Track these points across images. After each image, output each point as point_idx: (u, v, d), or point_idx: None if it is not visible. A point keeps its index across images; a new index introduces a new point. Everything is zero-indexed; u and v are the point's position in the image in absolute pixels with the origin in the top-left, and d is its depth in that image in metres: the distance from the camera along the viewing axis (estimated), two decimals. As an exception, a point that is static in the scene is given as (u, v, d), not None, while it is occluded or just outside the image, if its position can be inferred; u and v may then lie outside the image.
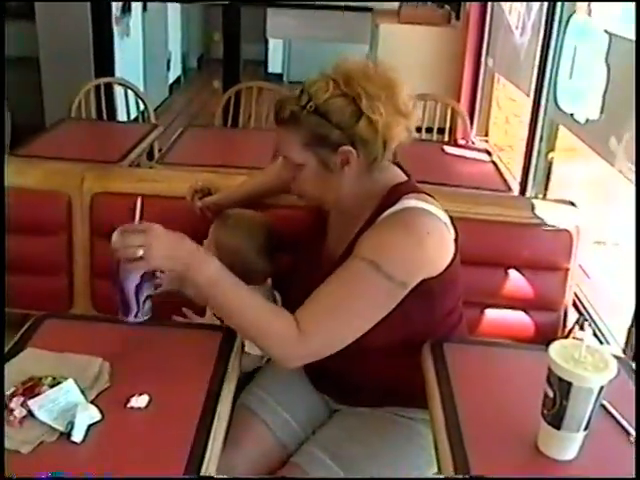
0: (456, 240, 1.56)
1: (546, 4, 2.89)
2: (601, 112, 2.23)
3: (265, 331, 1.45)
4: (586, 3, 2.38)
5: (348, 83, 1.45)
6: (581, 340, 1.26)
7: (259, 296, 1.48)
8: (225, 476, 1.56)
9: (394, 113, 1.47)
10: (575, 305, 2.17)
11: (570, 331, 2.07)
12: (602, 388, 1.20)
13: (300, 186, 1.58)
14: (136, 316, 1.44)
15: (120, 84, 4.47)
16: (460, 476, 1.24)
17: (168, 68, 7.78)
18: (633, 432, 1.33)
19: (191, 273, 1.40)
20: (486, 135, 4.14)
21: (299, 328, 1.42)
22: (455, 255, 1.56)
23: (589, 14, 2.37)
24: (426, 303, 1.53)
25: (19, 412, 1.26)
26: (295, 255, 1.84)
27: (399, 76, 1.51)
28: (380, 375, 1.59)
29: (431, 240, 1.49)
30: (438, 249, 1.52)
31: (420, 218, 1.51)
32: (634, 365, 1.61)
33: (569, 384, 1.19)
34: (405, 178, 1.61)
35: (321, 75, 1.50)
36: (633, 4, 2.00)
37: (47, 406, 1.27)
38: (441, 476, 1.32)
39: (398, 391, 1.65)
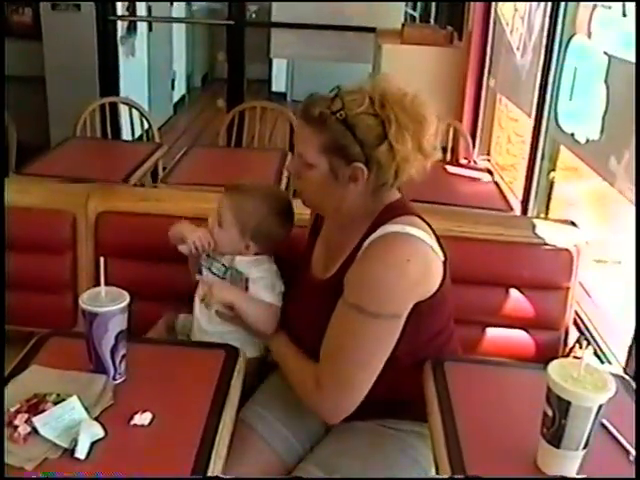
0: (445, 262, 1.56)
1: (547, 26, 2.92)
2: (601, 132, 2.25)
3: (297, 382, 1.65)
4: (586, 26, 2.41)
5: (383, 105, 1.46)
6: (581, 359, 1.27)
7: (304, 358, 1.64)
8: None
9: (416, 149, 1.48)
10: (576, 324, 2.17)
11: (571, 350, 2.08)
12: (601, 407, 1.21)
13: (303, 185, 1.60)
14: (114, 378, 1.47)
15: (125, 103, 4.52)
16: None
17: (173, 87, 7.85)
18: (633, 451, 1.34)
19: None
20: (488, 154, 4.16)
21: (318, 385, 1.55)
22: (444, 278, 1.56)
23: (589, 36, 2.40)
24: (412, 322, 1.53)
25: (23, 429, 1.27)
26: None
27: (432, 114, 1.52)
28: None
29: (412, 266, 1.49)
30: (422, 273, 1.52)
31: (400, 245, 1.51)
32: (634, 383, 1.62)
33: (568, 403, 1.20)
34: (398, 196, 1.62)
35: (358, 87, 1.50)
36: (629, 23, 2.04)
37: (51, 423, 1.28)
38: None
39: (387, 403, 1.66)
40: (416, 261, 1.50)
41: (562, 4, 2.77)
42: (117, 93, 5.34)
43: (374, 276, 1.49)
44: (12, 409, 1.32)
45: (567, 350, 2.10)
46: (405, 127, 1.46)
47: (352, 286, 1.52)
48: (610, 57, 2.19)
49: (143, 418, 1.35)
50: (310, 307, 1.65)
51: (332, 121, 1.47)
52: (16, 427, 1.28)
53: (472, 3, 4.32)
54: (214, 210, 1.81)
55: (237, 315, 1.72)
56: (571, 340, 2.11)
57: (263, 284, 1.77)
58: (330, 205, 1.61)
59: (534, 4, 3.28)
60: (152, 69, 6.82)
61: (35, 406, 1.32)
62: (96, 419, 1.33)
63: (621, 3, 2.07)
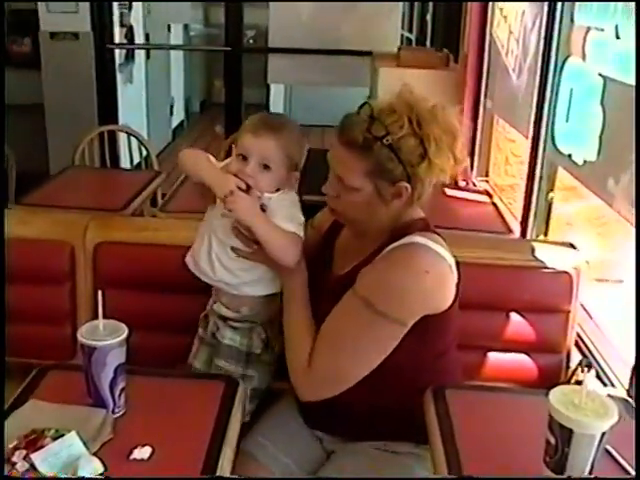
0: (457, 285, 1.59)
1: (541, 48, 2.93)
2: (598, 153, 2.25)
3: (290, 352, 1.65)
4: (580, 48, 2.42)
5: (420, 124, 1.49)
6: (584, 383, 1.26)
7: (307, 322, 1.64)
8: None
9: (452, 160, 1.53)
10: (578, 346, 2.17)
11: (573, 373, 2.07)
12: (604, 434, 1.20)
13: (345, 207, 1.61)
14: (113, 412, 1.46)
15: (123, 131, 4.54)
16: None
17: (171, 113, 7.89)
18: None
19: (280, 273, 1.70)
20: (486, 176, 4.16)
21: (309, 363, 1.57)
22: (455, 299, 1.58)
23: (583, 58, 2.41)
24: (417, 336, 1.55)
25: (21, 466, 1.26)
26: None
27: (459, 124, 1.56)
28: (364, 404, 1.62)
29: (429, 278, 1.52)
30: (437, 287, 1.55)
31: (422, 255, 1.54)
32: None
33: (570, 431, 1.20)
34: (422, 215, 1.66)
35: (389, 105, 1.52)
36: (622, 45, 2.05)
37: (49, 459, 1.27)
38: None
39: (383, 422, 1.67)
40: (433, 274, 1.53)
41: (556, 26, 2.78)
42: (116, 120, 5.36)
43: (391, 278, 1.52)
44: (10, 445, 1.30)
45: (569, 373, 2.08)
46: (441, 142, 1.50)
47: (366, 281, 1.55)
48: (605, 79, 2.19)
49: (143, 452, 1.34)
50: (322, 301, 1.65)
51: (378, 147, 1.49)
52: (14, 464, 1.26)
53: (468, 26, 4.34)
54: (235, 158, 1.66)
55: (253, 252, 1.67)
56: (573, 363, 2.10)
57: (281, 215, 1.67)
58: (373, 222, 1.63)
59: (528, 25, 3.29)
60: (150, 95, 6.85)
61: (33, 442, 1.31)
62: (95, 454, 1.31)
63: (614, 26, 2.08)
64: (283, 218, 1.66)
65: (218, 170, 1.67)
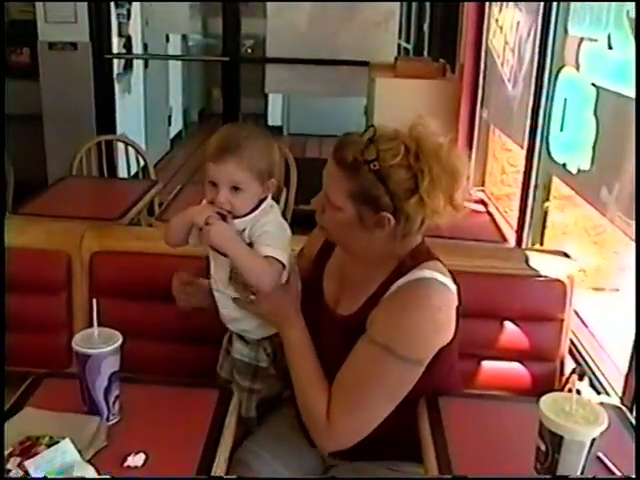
0: (457, 308, 1.58)
1: (536, 57, 2.95)
2: (592, 163, 2.26)
3: (306, 407, 1.61)
4: (574, 58, 2.44)
5: (418, 157, 1.44)
6: (577, 391, 1.27)
7: (318, 372, 1.60)
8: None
9: (447, 203, 1.47)
10: (572, 354, 2.17)
11: (567, 381, 2.07)
12: (594, 440, 1.21)
13: (326, 222, 1.59)
14: (107, 419, 1.47)
15: (121, 141, 4.55)
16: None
17: (169, 123, 7.90)
18: (628, 484, 1.33)
19: (279, 327, 1.67)
20: (482, 185, 4.17)
21: (328, 418, 1.52)
22: (457, 322, 1.58)
23: (577, 68, 2.42)
24: (430, 362, 1.54)
25: (15, 473, 1.27)
26: None
27: (465, 168, 1.51)
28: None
29: (442, 314, 1.52)
30: (448, 320, 1.54)
31: (432, 291, 1.52)
32: (631, 414, 1.62)
33: (560, 437, 1.21)
34: (420, 240, 1.61)
35: (394, 132, 1.48)
36: (615, 55, 2.07)
37: (43, 467, 1.28)
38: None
39: (393, 444, 1.65)
40: (445, 309, 1.52)
41: (550, 36, 2.80)
42: (114, 130, 5.38)
43: (407, 321, 1.50)
44: (6, 452, 1.31)
45: (563, 381, 2.09)
46: (438, 181, 1.44)
47: (381, 326, 1.52)
48: (598, 89, 2.21)
49: (137, 459, 1.35)
50: (331, 343, 1.63)
51: (365, 170, 1.45)
52: (9, 471, 1.27)
53: (464, 36, 4.37)
54: (206, 185, 1.66)
55: (252, 302, 1.66)
56: (567, 371, 2.10)
57: (264, 243, 1.63)
58: (353, 244, 1.61)
59: (523, 35, 3.32)
60: (149, 105, 6.87)
61: (28, 449, 1.32)
62: (89, 461, 1.32)
63: (607, 37, 2.10)
64: (265, 246, 1.63)
65: (193, 207, 1.67)
